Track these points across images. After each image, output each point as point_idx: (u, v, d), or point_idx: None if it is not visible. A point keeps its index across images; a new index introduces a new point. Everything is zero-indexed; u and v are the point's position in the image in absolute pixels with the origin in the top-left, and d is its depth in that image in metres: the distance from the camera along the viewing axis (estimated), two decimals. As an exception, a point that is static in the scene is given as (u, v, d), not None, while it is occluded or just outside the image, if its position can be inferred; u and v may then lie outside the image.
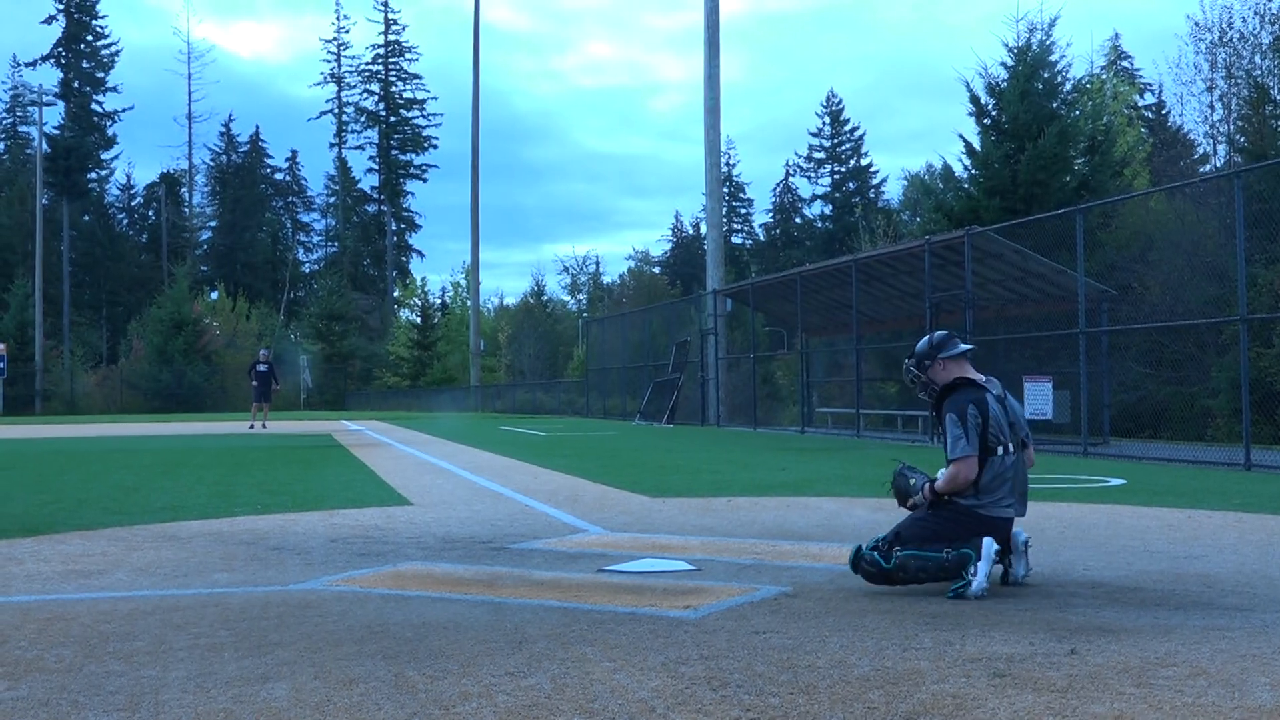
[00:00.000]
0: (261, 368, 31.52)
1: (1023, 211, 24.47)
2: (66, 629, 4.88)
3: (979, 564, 5.35)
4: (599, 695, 3.69)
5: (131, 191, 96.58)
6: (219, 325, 72.38)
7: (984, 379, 6.01)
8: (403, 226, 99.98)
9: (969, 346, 6.14)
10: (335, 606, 5.34)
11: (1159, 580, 5.87)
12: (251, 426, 31.20)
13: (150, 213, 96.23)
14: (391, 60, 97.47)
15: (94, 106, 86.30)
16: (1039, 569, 6.15)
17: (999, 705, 3.51)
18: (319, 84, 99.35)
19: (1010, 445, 5.74)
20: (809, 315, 28.17)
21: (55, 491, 11.76)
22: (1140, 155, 32.46)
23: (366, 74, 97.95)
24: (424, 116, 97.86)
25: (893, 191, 75.74)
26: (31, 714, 3.56)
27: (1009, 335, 22.16)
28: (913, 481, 5.85)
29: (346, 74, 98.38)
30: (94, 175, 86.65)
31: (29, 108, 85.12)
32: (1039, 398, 18.34)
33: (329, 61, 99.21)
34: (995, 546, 5.45)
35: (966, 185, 28.66)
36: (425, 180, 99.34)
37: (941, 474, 5.72)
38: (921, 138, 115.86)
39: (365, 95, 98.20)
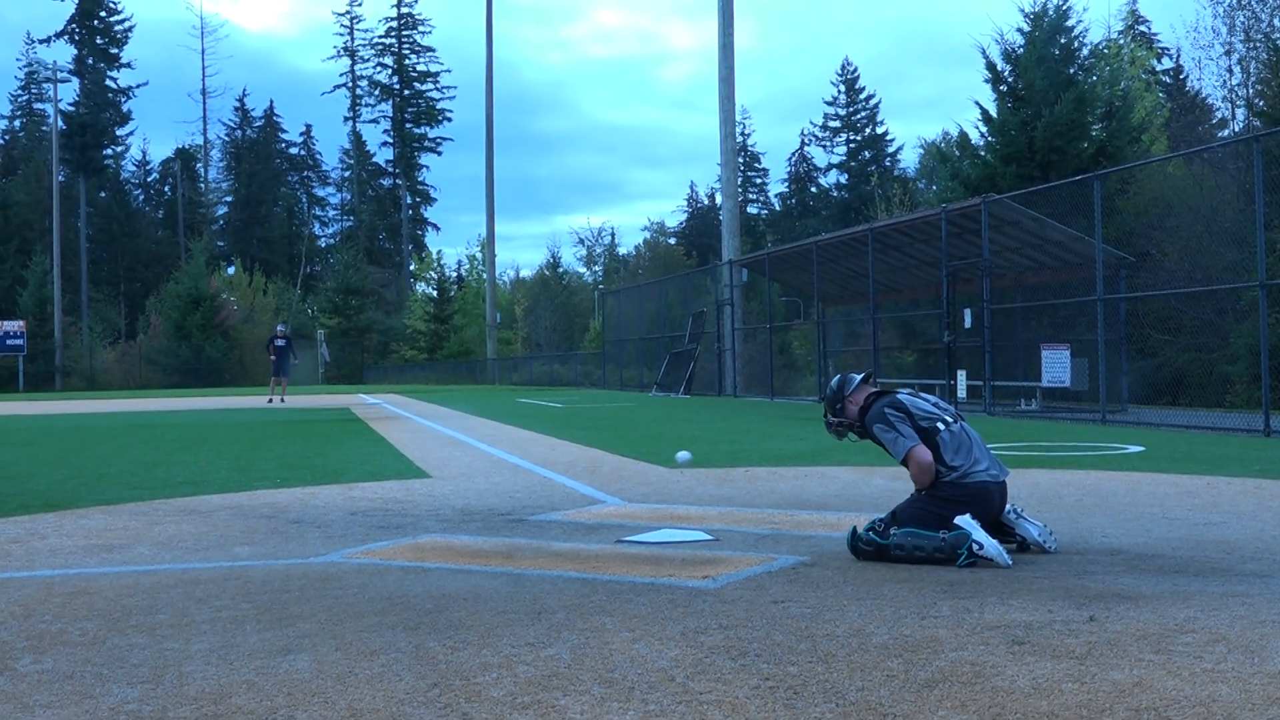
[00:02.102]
0: (279, 342, 31.63)
1: (1040, 178, 24.33)
2: (90, 603, 4.92)
3: (975, 536, 5.38)
4: (618, 665, 3.70)
5: (147, 167, 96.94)
6: (236, 300, 72.61)
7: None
8: (418, 200, 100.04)
9: (863, 374, 6.36)
10: (355, 579, 5.37)
11: (1178, 547, 5.86)
12: (270, 401, 31.34)
13: (166, 188, 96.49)
14: (405, 33, 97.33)
15: (108, 83, 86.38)
16: (1058, 536, 6.14)
17: (1018, 673, 3.52)
18: (332, 58, 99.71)
19: (948, 419, 5.88)
20: (825, 285, 28.11)
21: (76, 467, 11.84)
22: (1158, 121, 32.22)
23: (380, 47, 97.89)
24: (438, 89, 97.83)
25: (909, 160, 75.49)
26: (57, 686, 3.59)
27: (1026, 303, 22.09)
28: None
29: (360, 47, 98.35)
30: (109, 151, 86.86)
31: (44, 84, 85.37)
32: (1057, 365, 18.29)
33: (342, 35, 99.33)
34: (974, 520, 5.48)
35: (983, 153, 28.50)
36: (439, 153, 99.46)
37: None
38: (936, 104, 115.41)
39: (379, 69, 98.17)
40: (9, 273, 70.12)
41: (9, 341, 58.39)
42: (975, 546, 5.32)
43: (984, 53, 28.55)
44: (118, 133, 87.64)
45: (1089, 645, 3.83)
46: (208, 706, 3.35)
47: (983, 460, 5.77)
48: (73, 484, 10.06)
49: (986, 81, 28.63)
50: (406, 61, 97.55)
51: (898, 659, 3.71)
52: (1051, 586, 4.85)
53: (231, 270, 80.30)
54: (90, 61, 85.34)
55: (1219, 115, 40.24)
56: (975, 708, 3.19)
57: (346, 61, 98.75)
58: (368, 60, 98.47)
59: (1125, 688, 3.34)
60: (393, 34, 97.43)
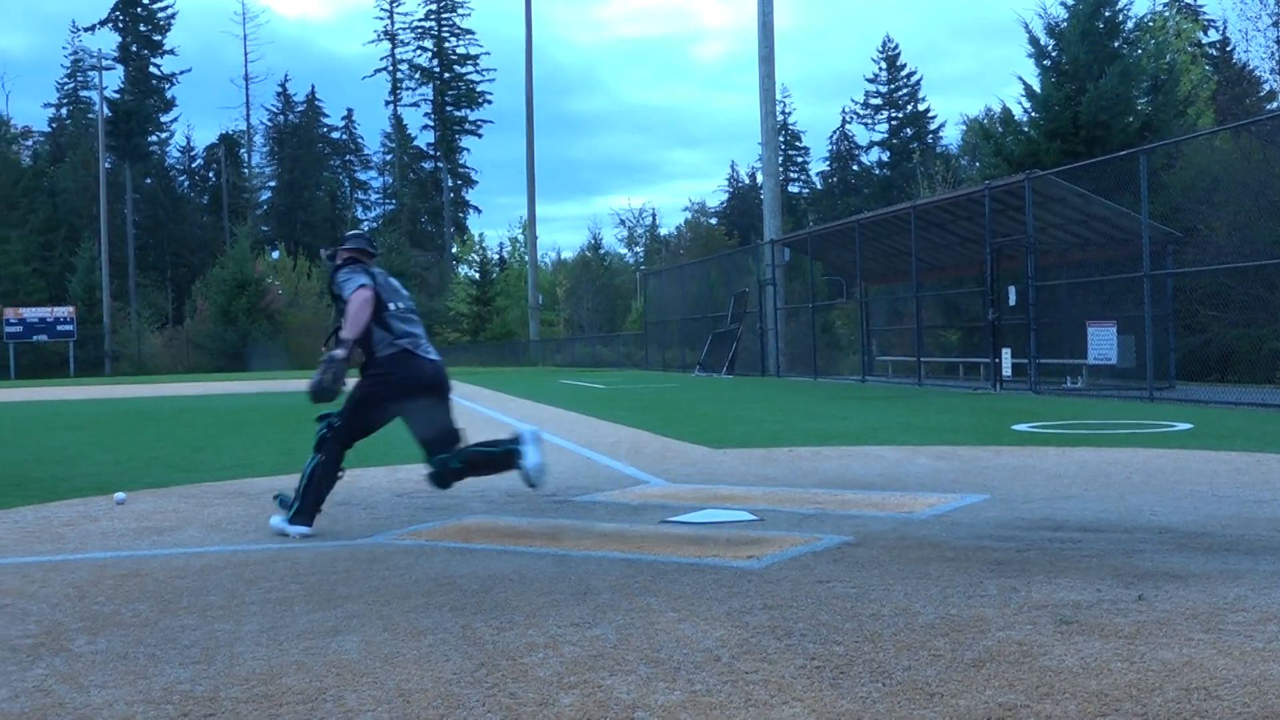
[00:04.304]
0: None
1: (1084, 154, 24.05)
2: (142, 584, 4.99)
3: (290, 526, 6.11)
4: (664, 645, 3.71)
5: (191, 153, 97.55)
6: (281, 284, 73.05)
7: None
8: (459, 182, 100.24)
9: (375, 254, 6.49)
10: (402, 560, 5.42)
11: (1227, 525, 5.80)
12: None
13: (210, 174, 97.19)
14: (444, 16, 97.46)
15: (152, 70, 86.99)
16: (1105, 515, 6.10)
17: (1066, 652, 3.50)
18: (372, 42, 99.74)
19: (401, 304, 6.20)
20: (868, 263, 27.95)
21: (127, 451, 11.98)
22: (1204, 94, 31.77)
23: (419, 30, 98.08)
24: (478, 72, 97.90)
25: (951, 137, 74.78)
26: (110, 667, 3.65)
27: (1071, 280, 21.87)
28: (321, 375, 6.20)
29: (400, 30, 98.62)
30: (154, 138, 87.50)
31: (89, 72, 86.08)
32: (1103, 342, 18.12)
33: (382, 19, 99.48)
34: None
35: (1026, 128, 28.20)
36: (480, 136, 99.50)
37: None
38: (978, 80, 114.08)
39: (419, 52, 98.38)
40: (58, 259, 70.93)
41: (59, 327, 59.18)
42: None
43: (1026, 27, 28.26)
44: (162, 119, 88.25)
45: (1138, 624, 3.80)
46: (259, 687, 3.39)
47: (426, 345, 6.24)
48: (123, 467, 10.18)
49: (1029, 56, 28.30)
50: (446, 44, 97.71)
51: (944, 638, 3.70)
52: (1100, 565, 4.82)
53: (276, 255, 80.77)
54: (134, 49, 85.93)
55: (1267, 87, 39.53)
56: (1023, 687, 3.17)
57: (387, 45, 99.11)
58: (408, 44, 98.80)
59: (1175, 667, 3.32)
60: (432, 17, 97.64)
